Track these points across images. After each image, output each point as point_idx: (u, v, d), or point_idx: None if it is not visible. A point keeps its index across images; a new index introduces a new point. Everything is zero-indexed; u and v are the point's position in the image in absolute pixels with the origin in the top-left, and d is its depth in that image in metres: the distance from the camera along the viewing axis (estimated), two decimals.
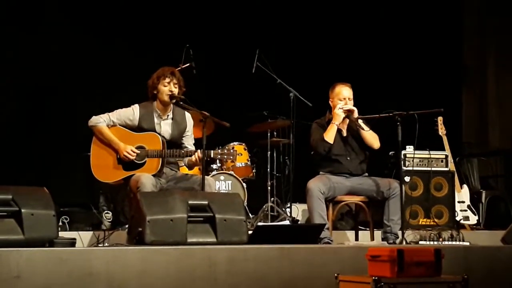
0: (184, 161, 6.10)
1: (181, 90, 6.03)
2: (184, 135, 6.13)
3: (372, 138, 6.46)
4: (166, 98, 5.99)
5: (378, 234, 6.43)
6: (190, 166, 6.13)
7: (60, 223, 6.52)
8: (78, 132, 6.44)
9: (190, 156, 5.92)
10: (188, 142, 6.14)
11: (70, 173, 7.82)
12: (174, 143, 6.03)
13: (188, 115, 6.19)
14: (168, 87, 5.98)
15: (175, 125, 6.08)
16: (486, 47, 9.80)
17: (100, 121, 5.95)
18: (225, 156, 6.03)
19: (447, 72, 9.65)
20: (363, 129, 6.42)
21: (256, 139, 8.21)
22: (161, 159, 5.87)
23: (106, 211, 7.14)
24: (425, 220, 7.24)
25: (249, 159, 8.13)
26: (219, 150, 6.08)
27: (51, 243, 4.71)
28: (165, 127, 6.05)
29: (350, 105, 6.44)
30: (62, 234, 5.27)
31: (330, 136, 6.41)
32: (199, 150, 5.85)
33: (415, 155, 7.19)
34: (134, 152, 5.86)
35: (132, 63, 8.29)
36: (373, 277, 4.00)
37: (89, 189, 7.44)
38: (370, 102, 6.65)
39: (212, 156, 5.94)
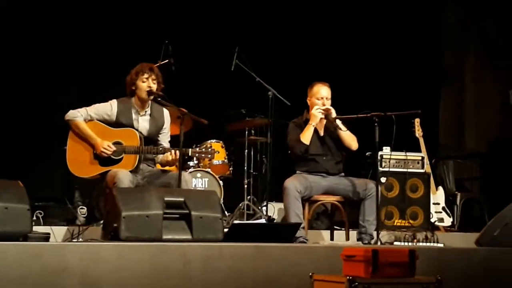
0: (157, 158, 6.07)
1: (159, 87, 6.00)
2: (161, 132, 6.10)
3: (350, 139, 6.47)
4: (144, 95, 5.96)
5: (353, 234, 6.46)
6: (163, 165, 6.09)
7: (34, 218, 6.46)
8: (55, 126, 6.38)
9: (166, 153, 5.89)
10: (164, 139, 6.11)
11: (45, 167, 7.76)
12: (151, 139, 6.01)
13: (166, 112, 6.16)
14: (147, 83, 5.95)
15: (152, 121, 6.05)
16: (465, 51, 9.86)
17: (78, 115, 5.90)
18: (203, 155, 6.02)
19: (426, 74, 9.69)
20: (340, 129, 6.43)
21: (234, 137, 8.20)
22: (138, 155, 5.84)
23: (81, 206, 7.10)
24: (400, 221, 7.28)
25: (226, 157, 8.12)
26: (197, 149, 6.07)
27: (25, 237, 4.67)
28: (143, 123, 6.02)
29: (327, 105, 6.45)
30: (36, 228, 5.23)
31: (306, 137, 6.41)
32: (177, 149, 5.83)
33: (392, 156, 7.22)
34: (111, 147, 5.83)
35: (111, 59, 8.25)
36: (348, 277, 4.01)
37: (64, 184, 7.40)
38: (348, 102, 6.67)
39: (190, 154, 5.93)
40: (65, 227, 6.20)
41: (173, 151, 5.86)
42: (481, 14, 9.64)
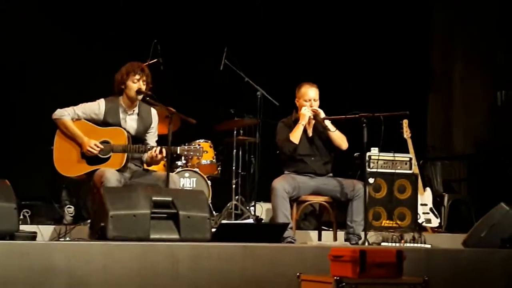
0: (143, 157, 6.05)
1: (148, 87, 5.99)
2: (148, 131, 6.08)
3: (339, 139, 6.48)
4: (133, 95, 5.94)
5: (341, 234, 6.46)
6: (149, 163, 6.07)
7: (21, 217, 6.43)
8: (42, 124, 6.36)
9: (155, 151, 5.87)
10: (151, 139, 6.08)
11: (32, 166, 7.72)
12: (138, 138, 5.99)
13: (154, 112, 6.15)
14: (137, 84, 5.93)
15: (140, 120, 6.03)
16: (453, 52, 9.89)
17: (65, 114, 5.88)
18: (191, 153, 6.00)
19: (414, 75, 9.72)
20: (329, 129, 6.43)
21: (222, 137, 8.20)
22: (126, 154, 5.82)
23: (68, 206, 7.08)
24: (387, 221, 7.29)
25: (214, 157, 8.11)
26: (185, 147, 6.05)
27: (12, 236, 4.66)
28: (131, 122, 6.00)
29: (315, 107, 6.45)
30: (23, 227, 5.21)
31: (296, 136, 6.42)
32: (164, 147, 5.82)
33: (380, 157, 7.23)
34: (98, 146, 5.81)
35: (99, 57, 8.24)
36: (335, 277, 4.01)
37: (51, 183, 7.36)
38: (336, 102, 6.69)
39: (178, 152, 5.92)
40: (52, 226, 6.16)
41: (159, 148, 5.84)
42: (468, 15, 9.67)
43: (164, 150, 5.82)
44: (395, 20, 9.63)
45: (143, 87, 5.93)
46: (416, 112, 7.39)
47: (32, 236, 4.98)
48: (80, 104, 5.96)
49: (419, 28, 9.90)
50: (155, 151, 5.82)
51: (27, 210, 6.52)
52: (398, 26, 9.62)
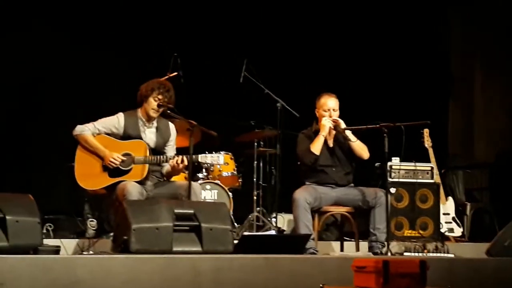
0: (163, 170, 6.07)
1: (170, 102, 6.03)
2: (167, 144, 6.13)
3: (361, 149, 6.47)
4: (151, 113, 6.00)
5: (363, 245, 6.44)
6: (169, 174, 6.10)
7: (45, 231, 6.46)
8: (63, 140, 6.40)
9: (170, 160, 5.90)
10: (170, 152, 6.13)
11: (55, 180, 7.77)
12: (158, 151, 6.03)
13: (172, 126, 6.20)
14: (158, 103, 5.97)
15: (159, 134, 6.09)
16: (473, 59, 9.84)
17: (85, 129, 5.94)
18: (212, 161, 6.02)
19: (434, 83, 9.68)
20: (350, 140, 6.42)
21: (243, 148, 8.20)
22: (147, 165, 5.85)
23: (90, 219, 7.10)
24: (410, 231, 7.24)
25: (235, 169, 8.11)
26: (206, 155, 6.06)
27: (36, 250, 4.69)
28: (150, 135, 6.05)
29: (334, 117, 6.44)
30: (46, 241, 5.24)
31: (316, 147, 6.41)
32: (186, 156, 5.85)
33: (401, 167, 7.19)
34: (119, 158, 5.85)
35: (119, 72, 8.29)
36: None
37: (73, 197, 7.40)
38: (357, 113, 6.67)
39: (199, 160, 5.94)
40: (75, 240, 6.20)
41: (181, 157, 5.86)
42: (488, 18, 9.62)
43: (185, 159, 5.84)
44: (414, 29, 9.60)
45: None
46: (436, 121, 7.35)
47: (56, 250, 5.01)
48: (100, 119, 6.02)
49: (439, 36, 9.87)
50: (176, 160, 5.85)
51: (50, 224, 6.55)
52: (418, 34, 9.60)
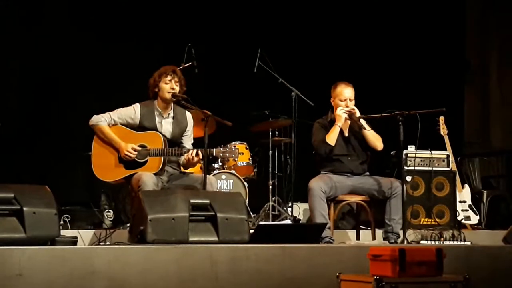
0: (180, 160, 6.08)
1: (182, 89, 6.02)
2: (184, 135, 6.12)
3: (375, 139, 6.44)
4: (167, 96, 5.98)
5: (379, 233, 6.43)
6: (185, 166, 6.10)
7: (62, 222, 6.51)
8: (79, 131, 6.44)
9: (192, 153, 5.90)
10: (187, 142, 6.12)
11: (71, 171, 7.81)
12: (174, 142, 6.03)
13: (188, 115, 6.19)
14: (170, 85, 5.97)
15: (176, 124, 6.08)
16: (489, 45, 9.79)
17: (101, 120, 5.94)
18: (227, 154, 6.02)
19: (449, 70, 9.64)
20: (365, 128, 6.40)
21: (258, 138, 8.21)
22: (163, 157, 5.86)
23: (107, 210, 7.15)
24: (426, 219, 7.23)
25: (250, 158, 8.13)
26: (221, 148, 6.07)
27: (53, 241, 4.71)
28: (166, 125, 6.05)
29: (351, 106, 6.42)
30: (63, 232, 5.27)
31: (332, 138, 6.38)
32: (200, 149, 5.85)
33: (417, 155, 7.18)
34: (135, 150, 5.86)
35: (134, 62, 8.30)
36: (375, 277, 4.00)
37: (90, 188, 7.44)
38: (372, 101, 6.65)
39: (214, 154, 5.94)
40: (92, 231, 6.24)
41: (195, 151, 5.87)
42: (503, 3, 9.54)
43: (200, 152, 5.84)
44: (428, 15, 9.57)
45: (177, 89, 5.97)
46: (452, 108, 7.34)
47: (73, 241, 5.04)
48: (116, 110, 6.02)
49: (453, 22, 9.82)
50: (191, 153, 5.85)
51: (67, 215, 6.60)
52: (432, 21, 9.57)
